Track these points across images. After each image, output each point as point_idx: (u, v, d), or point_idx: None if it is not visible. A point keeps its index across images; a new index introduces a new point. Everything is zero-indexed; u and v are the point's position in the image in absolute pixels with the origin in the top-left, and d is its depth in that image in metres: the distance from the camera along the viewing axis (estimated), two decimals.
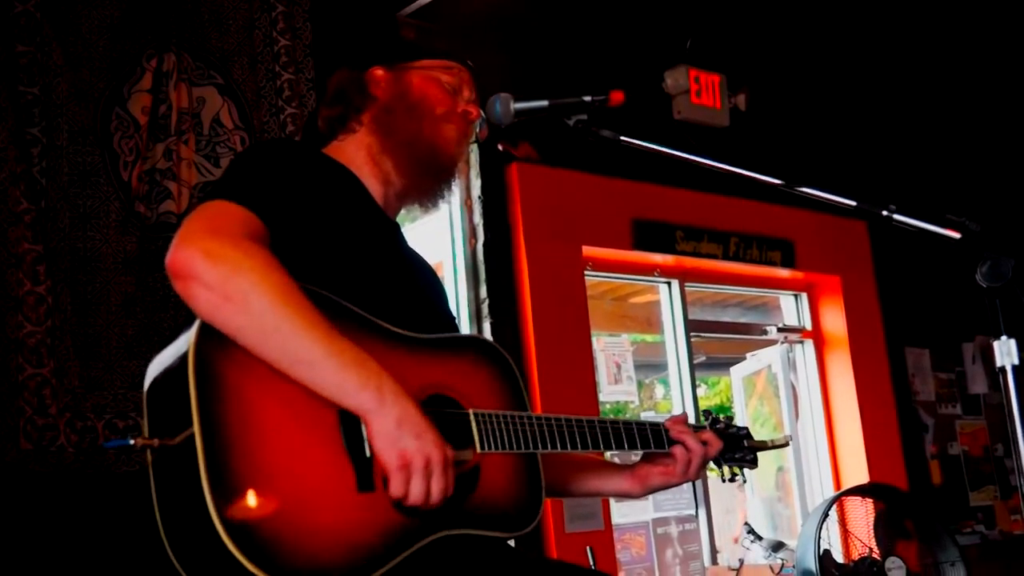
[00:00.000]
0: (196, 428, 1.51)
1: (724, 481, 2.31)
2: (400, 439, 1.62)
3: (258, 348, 1.60)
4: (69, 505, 3.20)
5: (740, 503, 6.10)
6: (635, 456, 2.22)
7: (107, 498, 3.23)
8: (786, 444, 2.46)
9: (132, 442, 1.57)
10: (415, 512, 1.67)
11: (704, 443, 2.16)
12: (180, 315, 1.63)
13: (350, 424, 1.65)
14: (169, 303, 3.40)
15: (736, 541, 4.77)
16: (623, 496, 2.25)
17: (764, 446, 2.37)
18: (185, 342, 1.58)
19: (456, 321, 2.23)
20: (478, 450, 1.81)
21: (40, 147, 3.29)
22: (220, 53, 3.76)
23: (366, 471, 1.64)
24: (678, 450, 2.14)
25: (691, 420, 2.25)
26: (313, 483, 1.59)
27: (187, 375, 1.54)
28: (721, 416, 2.32)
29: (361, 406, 1.63)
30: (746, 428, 2.34)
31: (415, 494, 1.63)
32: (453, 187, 2.12)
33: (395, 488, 1.63)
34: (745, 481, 2.34)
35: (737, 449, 2.30)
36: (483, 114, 2.08)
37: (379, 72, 2.08)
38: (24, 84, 3.29)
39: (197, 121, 3.66)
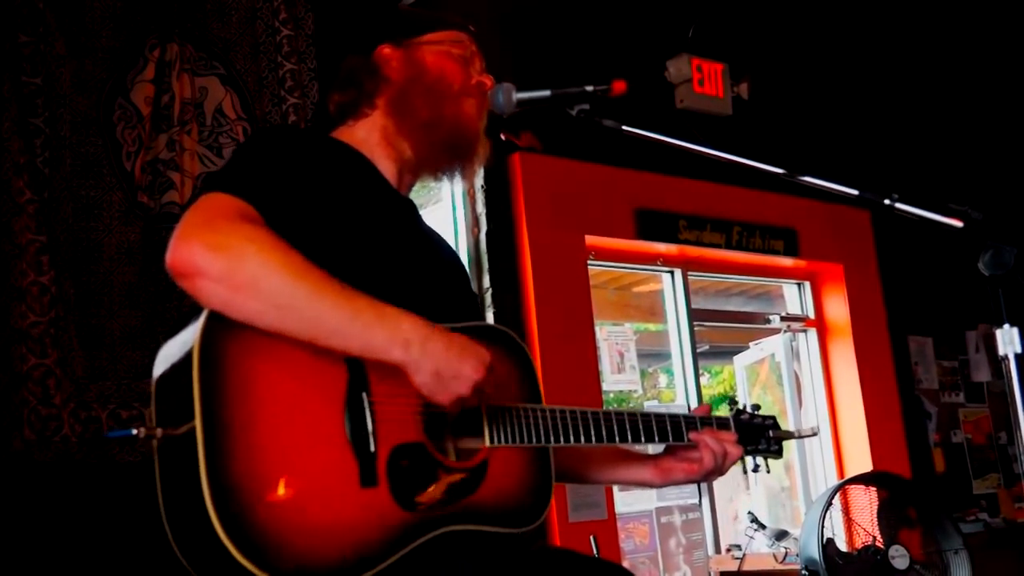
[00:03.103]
0: (197, 421, 1.49)
1: (746, 472, 2.25)
2: (445, 386, 1.67)
3: (279, 327, 1.58)
4: (73, 495, 3.21)
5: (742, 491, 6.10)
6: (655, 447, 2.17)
7: (110, 488, 3.23)
8: (814, 435, 2.34)
9: (135, 432, 1.56)
10: (418, 508, 1.66)
11: (724, 446, 2.09)
12: (184, 304, 1.61)
13: (356, 417, 1.64)
14: (172, 293, 3.39)
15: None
16: (643, 485, 2.19)
17: (790, 436, 2.30)
18: (192, 331, 1.56)
19: (476, 299, 2.19)
20: (487, 443, 1.79)
21: (43, 137, 3.29)
22: (222, 43, 3.76)
23: (369, 466, 1.63)
24: (699, 452, 2.09)
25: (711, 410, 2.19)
26: (315, 478, 1.57)
27: (192, 366, 1.52)
28: (746, 406, 2.26)
29: (395, 362, 1.65)
30: (772, 418, 2.28)
31: (473, 402, 1.75)
32: (477, 161, 2.08)
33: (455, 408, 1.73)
34: (769, 471, 2.28)
35: (761, 439, 2.24)
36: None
37: (387, 50, 2.04)
38: (27, 74, 3.29)
39: (200, 111, 3.66)
